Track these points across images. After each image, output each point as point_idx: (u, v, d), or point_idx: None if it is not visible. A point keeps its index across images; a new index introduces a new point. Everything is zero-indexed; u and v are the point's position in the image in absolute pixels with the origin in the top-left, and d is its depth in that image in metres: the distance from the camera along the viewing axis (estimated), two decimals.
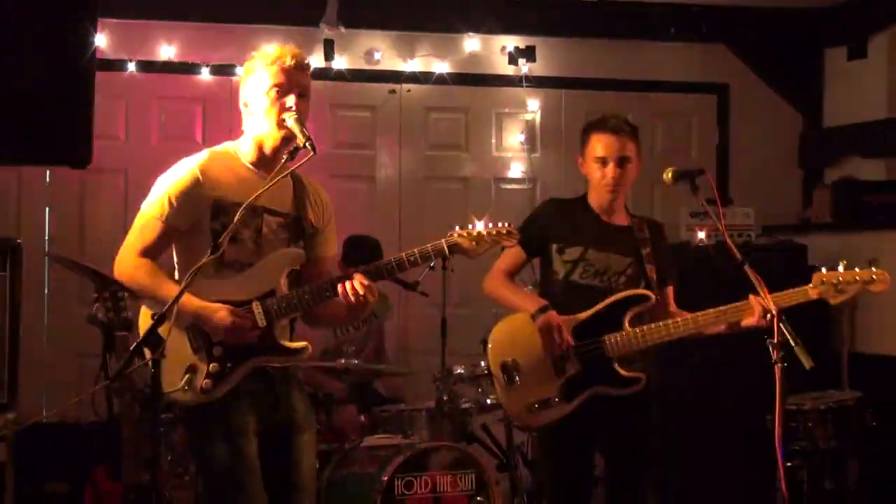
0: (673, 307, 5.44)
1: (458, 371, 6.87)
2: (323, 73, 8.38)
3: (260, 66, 4.54)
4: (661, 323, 5.22)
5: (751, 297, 4.93)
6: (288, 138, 4.49)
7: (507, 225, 4.59)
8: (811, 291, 5.04)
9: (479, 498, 6.41)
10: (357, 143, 8.80)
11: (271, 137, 4.54)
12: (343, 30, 8.43)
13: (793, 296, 5.03)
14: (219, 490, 4.57)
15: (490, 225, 4.55)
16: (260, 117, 4.54)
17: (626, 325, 5.22)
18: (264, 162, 4.59)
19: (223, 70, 8.26)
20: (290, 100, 4.49)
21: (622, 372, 5.23)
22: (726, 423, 7.51)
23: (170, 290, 4.39)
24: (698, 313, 5.18)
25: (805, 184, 9.28)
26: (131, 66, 8.22)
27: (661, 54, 9.16)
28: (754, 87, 9.29)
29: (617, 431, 5.31)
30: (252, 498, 4.47)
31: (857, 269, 5.04)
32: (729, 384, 7.34)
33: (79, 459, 7.09)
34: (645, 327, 5.21)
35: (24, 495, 7.04)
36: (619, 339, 5.22)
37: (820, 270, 5.07)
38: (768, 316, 4.65)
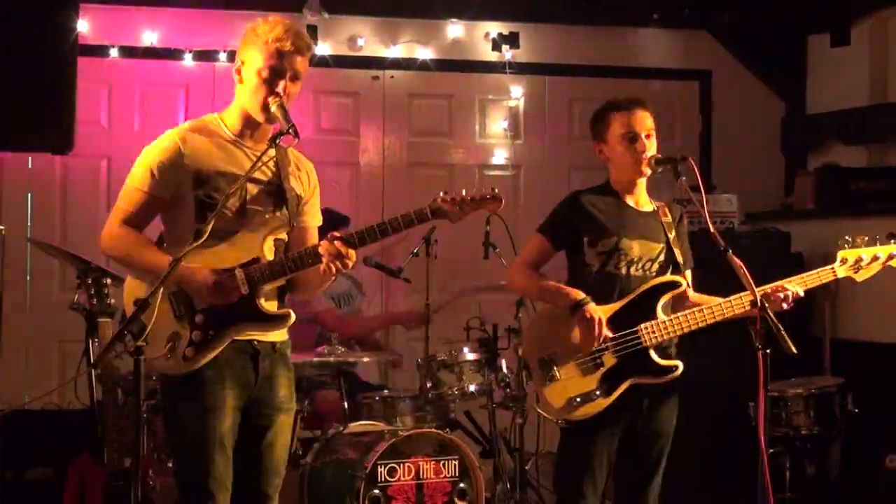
0: (691, 292, 5.42)
1: (442, 357, 6.86)
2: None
3: (259, 42, 4.51)
4: (695, 309, 5.20)
5: (782, 282, 4.97)
6: (271, 120, 4.51)
7: (492, 189, 4.59)
8: (838, 270, 5.09)
9: (462, 484, 6.41)
10: (340, 130, 8.80)
11: (256, 114, 4.54)
12: (326, 16, 8.42)
13: (819, 276, 5.10)
14: (186, 463, 4.58)
15: (475, 189, 4.57)
16: (249, 92, 4.54)
17: (660, 312, 5.20)
18: (248, 132, 4.61)
19: (206, 56, 8.25)
20: (280, 85, 4.48)
21: (659, 360, 5.21)
22: (709, 409, 7.52)
23: (154, 256, 4.43)
24: (732, 297, 5.15)
25: (788, 170, 9.30)
26: (113, 52, 8.20)
27: (644, 41, 9.16)
28: (737, 74, 9.31)
29: (644, 419, 5.29)
30: (218, 478, 4.47)
31: (878, 245, 5.07)
32: (712, 370, 7.35)
33: (61, 445, 7.07)
34: (680, 315, 5.17)
35: (6, 481, 7.05)
36: (654, 327, 5.19)
37: (843, 248, 5.08)
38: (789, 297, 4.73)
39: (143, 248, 4.50)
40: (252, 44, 4.54)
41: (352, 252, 4.45)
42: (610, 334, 5.15)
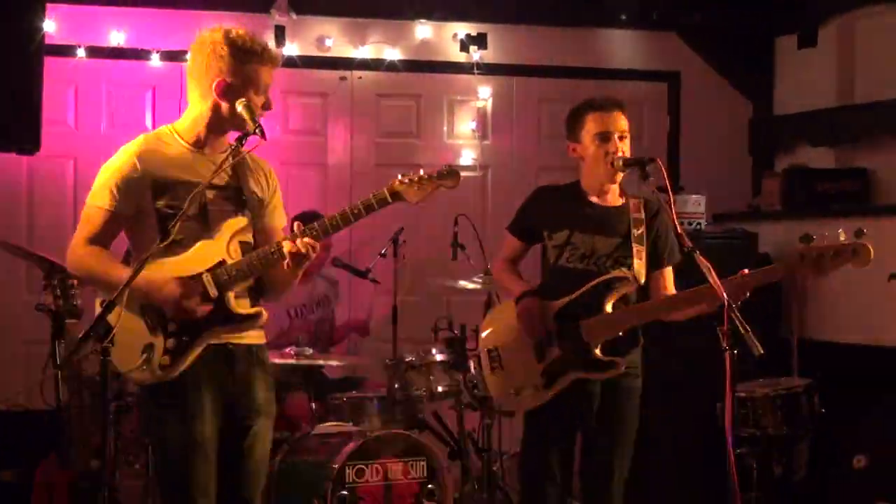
0: (668, 289, 5.42)
1: (410, 359, 6.86)
2: None
3: (220, 50, 4.49)
4: (637, 305, 5.22)
5: (721, 280, 4.92)
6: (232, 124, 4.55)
7: (447, 165, 4.59)
8: (786, 267, 4.92)
9: (430, 485, 6.41)
10: (308, 130, 8.77)
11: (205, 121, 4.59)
12: (294, 16, 8.41)
13: (766, 273, 4.99)
14: (168, 471, 4.57)
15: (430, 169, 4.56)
16: (206, 102, 4.56)
17: (608, 308, 5.22)
18: (202, 141, 4.62)
19: (173, 56, 8.21)
20: (240, 105, 4.48)
21: (599, 356, 5.22)
22: (676, 410, 7.54)
23: (120, 273, 4.40)
24: (671, 294, 5.17)
25: (755, 171, 9.32)
26: (80, 52, 8.15)
27: (612, 42, 9.16)
28: (705, 75, 9.32)
29: (599, 414, 5.31)
30: (199, 483, 4.46)
31: (839, 241, 4.76)
32: (679, 371, 7.37)
33: (27, 447, 7.04)
34: (620, 310, 5.22)
35: None
36: (594, 323, 5.21)
37: (802, 244, 4.92)
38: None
39: (108, 266, 4.52)
40: (211, 52, 4.53)
41: (315, 243, 4.46)
42: (550, 327, 5.20)
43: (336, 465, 6.22)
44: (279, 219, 4.86)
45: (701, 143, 9.27)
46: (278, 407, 6.69)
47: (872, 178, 8.36)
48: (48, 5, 6.81)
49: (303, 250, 4.42)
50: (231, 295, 4.55)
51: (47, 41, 6.84)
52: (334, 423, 6.73)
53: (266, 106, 4.57)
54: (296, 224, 4.48)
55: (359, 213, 4.48)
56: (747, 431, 6.90)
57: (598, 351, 5.22)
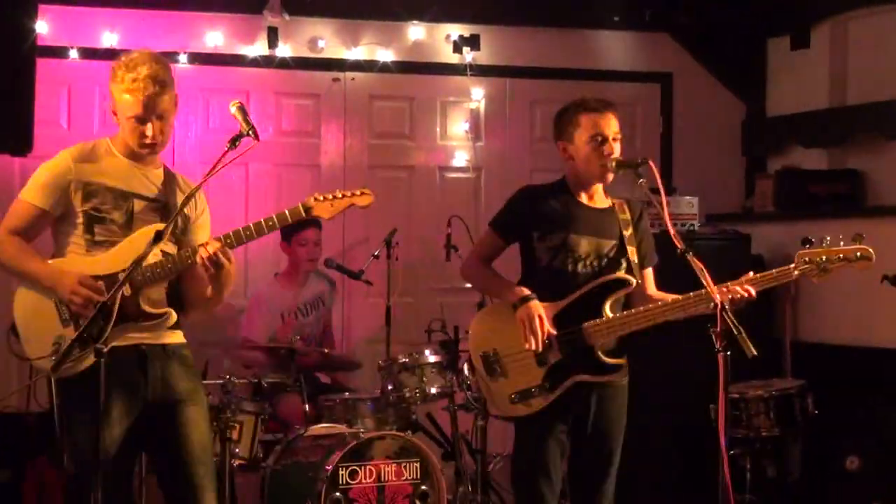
0: (651, 290, 5.41)
1: (403, 360, 6.85)
2: (267, 61, 8.36)
3: (121, 86, 4.72)
4: (641, 308, 5.21)
5: (729, 283, 4.93)
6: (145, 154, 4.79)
7: (362, 188, 4.85)
8: (794, 271, 5.01)
9: (423, 487, 6.40)
10: (301, 132, 8.75)
11: (136, 148, 4.78)
12: (287, 17, 8.40)
13: (776, 276, 5.03)
14: (79, 470, 4.65)
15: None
16: (126, 132, 4.78)
17: (607, 310, 5.21)
18: (136, 156, 4.83)
19: (166, 58, 8.19)
20: (149, 129, 4.72)
21: (604, 359, 5.22)
22: (669, 411, 7.54)
23: (35, 265, 4.69)
24: (679, 296, 5.15)
25: (748, 173, 9.33)
26: (73, 53, 8.13)
27: (605, 43, 9.16)
28: (698, 76, 9.32)
29: (594, 415, 5.31)
30: (103, 486, 4.39)
31: (842, 245, 4.96)
32: (672, 372, 7.37)
33: (20, 448, 7.04)
34: (626, 313, 5.20)
35: None
36: (598, 325, 5.20)
37: (804, 247, 5.02)
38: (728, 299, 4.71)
39: (27, 257, 4.73)
40: (116, 85, 4.76)
41: (227, 251, 4.63)
42: (553, 331, 5.19)
43: (329, 467, 6.21)
44: (204, 238, 4.92)
45: (694, 145, 9.27)
46: (272, 408, 6.76)
47: (865, 179, 8.38)
48: (41, 6, 6.80)
49: (212, 254, 4.58)
50: (145, 295, 4.71)
51: (40, 42, 6.84)
52: (327, 425, 6.73)
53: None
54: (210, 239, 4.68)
55: (273, 224, 4.67)
56: (740, 432, 6.92)
57: (601, 354, 5.22)
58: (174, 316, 4.77)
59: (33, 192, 4.76)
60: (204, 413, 4.91)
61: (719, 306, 4.51)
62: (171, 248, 4.77)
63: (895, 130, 8.01)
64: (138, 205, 4.77)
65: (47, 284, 4.64)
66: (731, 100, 9.38)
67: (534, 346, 5.16)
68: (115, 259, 4.67)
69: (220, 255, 4.58)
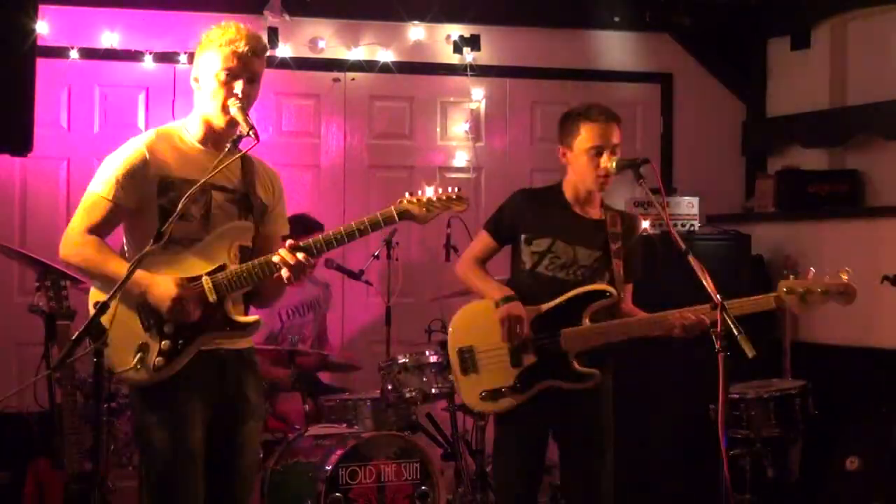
0: (627, 304, 5.44)
1: (403, 360, 6.85)
2: (267, 61, 8.31)
3: (213, 46, 4.51)
4: (617, 321, 5.23)
5: (708, 306, 4.89)
6: (233, 123, 4.49)
7: (456, 190, 4.60)
8: (774, 300, 5.07)
9: (423, 487, 6.41)
10: (301, 132, 8.75)
11: (217, 118, 4.53)
12: (287, 18, 8.39)
13: (754, 304, 5.06)
14: (156, 477, 4.54)
15: (440, 190, 4.58)
16: (208, 97, 4.53)
17: (586, 320, 5.23)
18: (211, 139, 4.59)
19: (166, 57, 8.20)
20: (238, 86, 4.48)
21: (577, 367, 5.23)
22: (669, 411, 7.54)
23: (117, 265, 4.37)
24: (662, 313, 5.16)
25: (748, 173, 9.32)
26: (73, 53, 8.13)
27: (606, 44, 9.15)
28: (698, 77, 9.32)
29: (571, 421, 5.32)
30: (188, 489, 4.45)
31: (827, 279, 5.03)
32: (672, 373, 7.37)
33: (20, 449, 7.03)
34: (604, 324, 5.23)
35: None
36: (575, 333, 5.22)
37: (788, 278, 5.06)
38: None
39: (105, 257, 4.45)
40: (207, 49, 4.54)
41: (311, 261, 4.46)
42: (529, 333, 5.21)
43: (329, 467, 6.21)
44: (281, 227, 4.85)
45: (694, 145, 9.27)
46: (271, 408, 6.76)
47: (865, 179, 8.37)
48: (41, 6, 6.78)
49: (301, 260, 4.41)
50: (229, 301, 4.53)
51: (40, 42, 6.82)
52: (327, 425, 6.73)
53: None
54: (289, 244, 4.45)
55: (365, 229, 4.50)
56: (740, 433, 6.92)
57: (575, 362, 5.24)
58: (262, 322, 4.65)
59: (105, 186, 4.46)
60: (260, 429, 4.85)
61: (719, 307, 4.52)
62: (247, 242, 4.64)
63: (895, 130, 8.01)
64: (217, 197, 4.55)
65: (140, 289, 4.35)
66: (731, 100, 9.38)
67: (513, 344, 5.20)
68: (199, 259, 4.50)
69: (306, 265, 4.42)
